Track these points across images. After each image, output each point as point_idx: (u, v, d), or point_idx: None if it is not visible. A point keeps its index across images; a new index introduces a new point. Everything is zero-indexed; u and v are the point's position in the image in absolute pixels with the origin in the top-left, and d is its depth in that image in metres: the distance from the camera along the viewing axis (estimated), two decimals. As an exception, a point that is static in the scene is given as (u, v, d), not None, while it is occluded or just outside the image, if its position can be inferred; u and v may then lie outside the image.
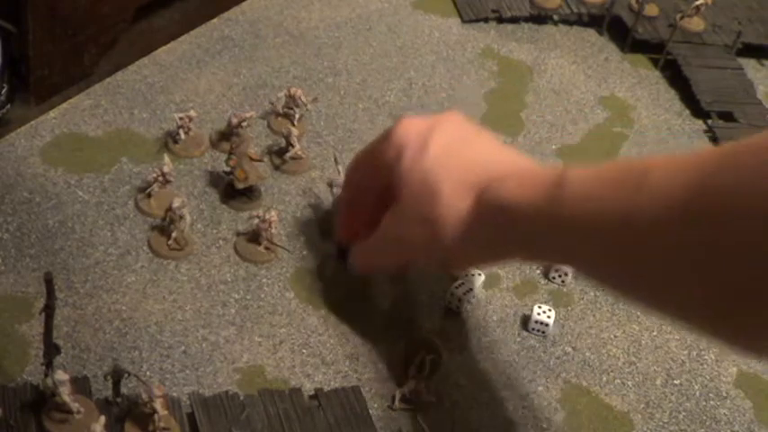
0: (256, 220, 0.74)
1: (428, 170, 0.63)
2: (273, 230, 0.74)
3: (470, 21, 1.03)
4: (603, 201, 0.54)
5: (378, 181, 0.68)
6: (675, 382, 0.74)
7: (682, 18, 1.04)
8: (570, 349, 0.75)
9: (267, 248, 0.75)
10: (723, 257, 0.48)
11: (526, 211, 0.58)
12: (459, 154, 0.64)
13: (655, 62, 1.04)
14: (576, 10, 1.05)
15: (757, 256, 0.46)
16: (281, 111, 0.85)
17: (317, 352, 0.70)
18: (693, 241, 0.49)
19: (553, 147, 0.91)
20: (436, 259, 0.66)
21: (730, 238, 0.47)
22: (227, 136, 0.81)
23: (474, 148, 0.65)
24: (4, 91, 0.78)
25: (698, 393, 0.73)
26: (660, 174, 0.52)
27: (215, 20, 0.96)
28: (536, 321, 0.74)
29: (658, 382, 0.74)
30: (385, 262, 0.71)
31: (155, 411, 0.60)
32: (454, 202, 0.61)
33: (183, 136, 0.82)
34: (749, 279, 0.47)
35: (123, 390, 0.62)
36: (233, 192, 0.78)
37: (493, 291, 0.77)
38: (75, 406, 0.60)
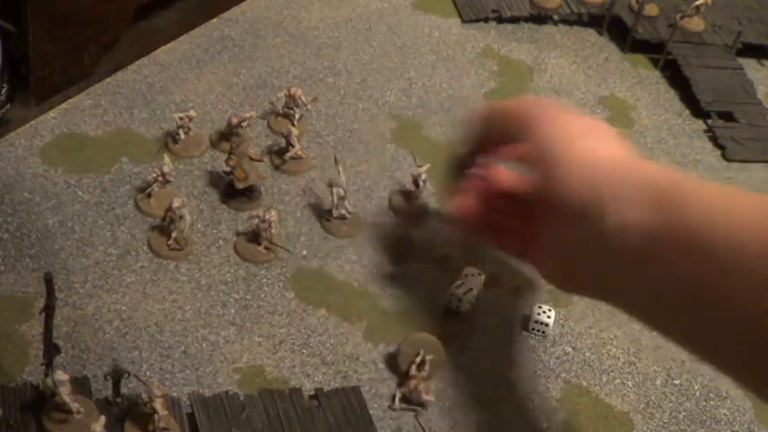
0: (256, 220, 0.74)
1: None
2: (273, 230, 0.75)
3: (470, 21, 1.03)
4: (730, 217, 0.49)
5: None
6: (675, 382, 0.74)
7: (682, 18, 1.04)
8: (570, 349, 0.75)
9: (267, 248, 0.75)
10: None
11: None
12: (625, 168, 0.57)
13: (655, 62, 1.04)
14: (575, 10, 1.05)
15: None
16: (281, 111, 0.85)
17: (316, 352, 0.70)
18: None
19: (553, 147, 0.91)
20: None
21: None
22: (227, 136, 0.82)
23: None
24: (4, 91, 0.78)
25: (698, 393, 0.73)
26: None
27: (215, 20, 0.96)
28: (536, 321, 0.74)
29: (658, 382, 0.74)
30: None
31: (155, 411, 0.60)
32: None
33: (182, 136, 0.82)
34: None
35: (123, 390, 0.62)
36: (233, 192, 0.78)
37: (493, 291, 0.77)
38: (75, 406, 0.60)
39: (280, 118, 0.86)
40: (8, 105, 0.79)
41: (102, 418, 0.58)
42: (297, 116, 0.85)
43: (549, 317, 0.74)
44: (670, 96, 1.01)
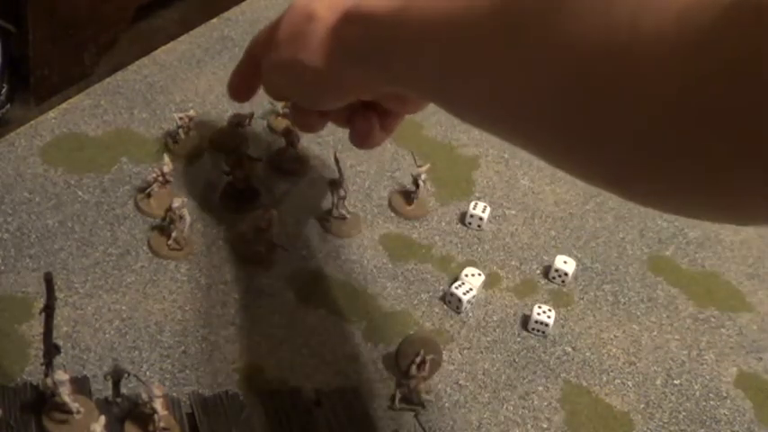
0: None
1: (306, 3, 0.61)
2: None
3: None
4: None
5: None
6: (675, 382, 0.74)
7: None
8: (570, 349, 0.75)
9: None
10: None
11: (379, 19, 0.55)
12: None
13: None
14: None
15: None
16: (280, 111, 0.85)
17: (317, 352, 0.70)
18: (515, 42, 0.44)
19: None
20: (308, 84, 0.63)
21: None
22: (227, 136, 0.82)
23: None
24: (4, 91, 0.78)
25: (698, 393, 0.73)
26: None
27: (215, 20, 0.96)
28: (536, 321, 0.74)
29: (658, 382, 0.74)
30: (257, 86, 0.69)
31: (155, 411, 0.60)
32: (325, 19, 0.59)
33: (182, 136, 0.82)
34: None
35: (123, 390, 0.62)
36: (233, 192, 0.78)
37: (493, 291, 0.77)
38: (75, 406, 0.60)
39: (280, 118, 0.86)
40: (8, 105, 0.79)
41: (102, 418, 0.58)
42: (297, 116, 0.85)
43: (549, 317, 0.74)
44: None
